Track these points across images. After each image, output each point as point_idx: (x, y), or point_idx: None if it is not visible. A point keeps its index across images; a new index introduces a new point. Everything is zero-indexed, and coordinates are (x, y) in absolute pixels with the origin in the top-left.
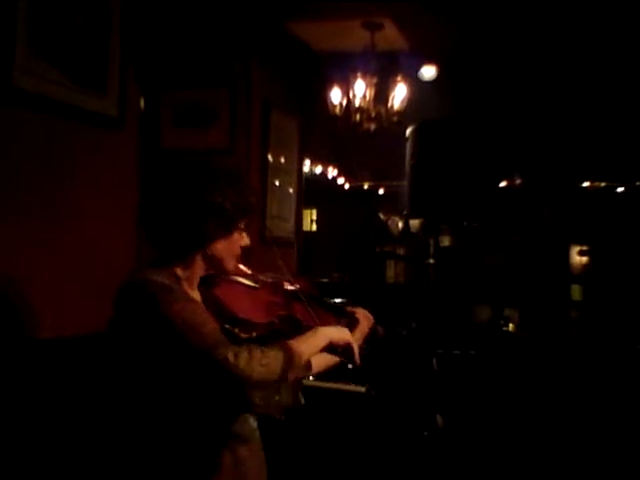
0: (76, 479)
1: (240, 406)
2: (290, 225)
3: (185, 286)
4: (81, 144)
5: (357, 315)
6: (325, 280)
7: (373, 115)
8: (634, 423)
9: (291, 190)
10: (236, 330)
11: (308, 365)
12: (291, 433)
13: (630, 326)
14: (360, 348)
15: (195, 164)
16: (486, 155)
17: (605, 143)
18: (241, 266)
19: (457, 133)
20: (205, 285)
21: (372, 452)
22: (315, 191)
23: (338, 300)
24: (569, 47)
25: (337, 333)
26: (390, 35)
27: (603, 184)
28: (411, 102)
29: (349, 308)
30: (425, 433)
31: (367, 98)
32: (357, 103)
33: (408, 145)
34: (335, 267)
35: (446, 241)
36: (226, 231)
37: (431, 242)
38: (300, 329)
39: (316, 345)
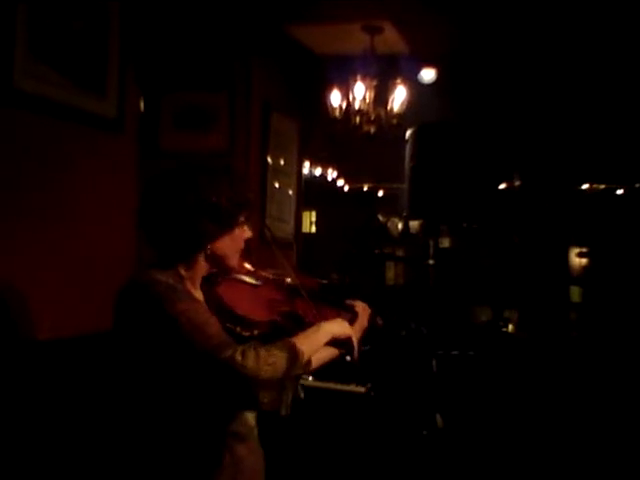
0: (77, 478)
1: (247, 405)
2: (290, 227)
3: (188, 285)
4: (80, 146)
5: (357, 308)
6: (325, 282)
7: (373, 117)
8: (633, 423)
9: (291, 192)
10: (238, 329)
11: (309, 361)
12: (290, 433)
13: (629, 328)
14: (359, 342)
15: (188, 165)
16: (486, 157)
17: (604, 145)
18: (244, 263)
19: (457, 135)
20: (207, 284)
21: (372, 452)
22: (315, 193)
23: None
24: (568, 50)
25: (339, 328)
26: (390, 38)
27: (602, 186)
28: (411, 105)
29: (349, 301)
30: (424, 433)
31: (367, 101)
32: (357, 105)
33: (408, 147)
34: (335, 269)
35: (446, 242)
36: (225, 228)
37: (431, 243)
38: (302, 325)
39: (319, 341)
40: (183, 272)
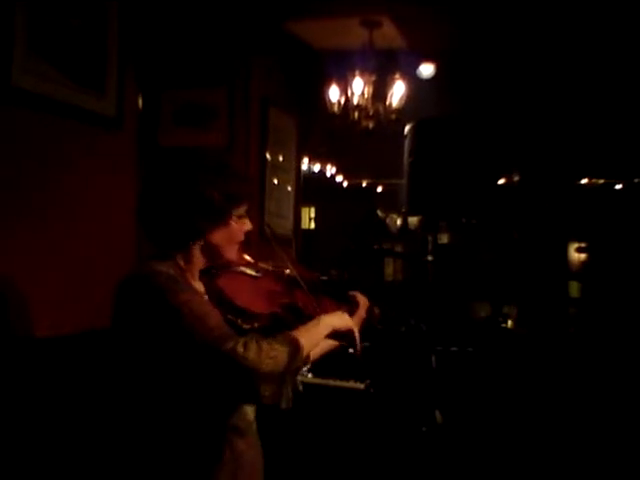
0: (77, 475)
1: (248, 398)
2: (289, 223)
3: (188, 277)
4: (79, 144)
5: (356, 299)
6: (324, 278)
7: (371, 113)
8: (632, 419)
9: (289, 188)
10: (239, 321)
11: (308, 355)
12: (290, 429)
13: (628, 323)
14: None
15: (183, 158)
16: (484, 152)
17: (603, 140)
18: (244, 255)
19: (455, 130)
20: (208, 276)
21: (371, 448)
22: (313, 189)
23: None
24: (567, 44)
25: (339, 321)
26: (388, 33)
27: (601, 181)
28: (409, 100)
29: (349, 293)
30: (424, 429)
31: (365, 96)
32: (355, 101)
33: (406, 143)
34: (334, 264)
35: (444, 238)
36: (218, 221)
37: (429, 239)
38: (302, 317)
39: (319, 334)
40: (182, 263)
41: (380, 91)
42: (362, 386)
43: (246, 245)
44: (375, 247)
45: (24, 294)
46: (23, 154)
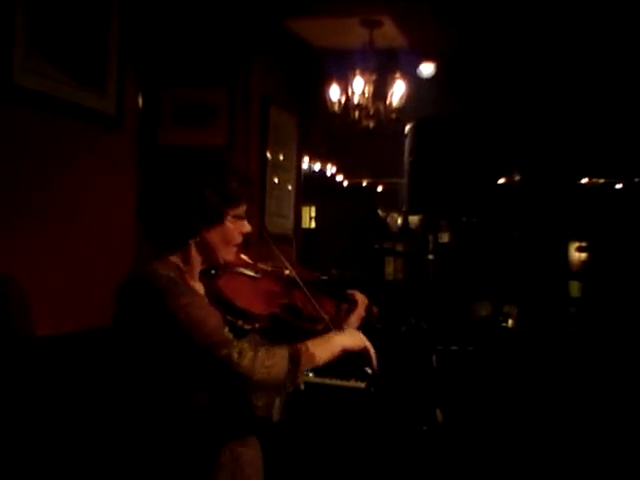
0: (77, 475)
1: (241, 405)
2: (289, 222)
3: (188, 278)
4: (80, 142)
5: (355, 297)
6: (325, 277)
7: (372, 112)
8: (632, 418)
9: (290, 187)
10: (239, 322)
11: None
12: (290, 429)
13: (628, 322)
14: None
15: (181, 157)
16: (485, 151)
17: (604, 139)
18: (242, 256)
19: (456, 130)
20: (207, 277)
21: (372, 447)
22: (314, 188)
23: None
24: (567, 43)
25: (350, 340)
26: (389, 32)
27: (602, 180)
28: (410, 99)
29: (348, 291)
30: (424, 428)
31: (366, 95)
32: (356, 100)
33: (407, 142)
34: (334, 264)
35: (445, 237)
36: (213, 221)
37: (430, 238)
38: (301, 317)
39: (328, 352)
40: (181, 264)
41: (380, 90)
42: (363, 385)
43: (245, 246)
44: (376, 246)
45: (25, 293)
46: (23, 153)
